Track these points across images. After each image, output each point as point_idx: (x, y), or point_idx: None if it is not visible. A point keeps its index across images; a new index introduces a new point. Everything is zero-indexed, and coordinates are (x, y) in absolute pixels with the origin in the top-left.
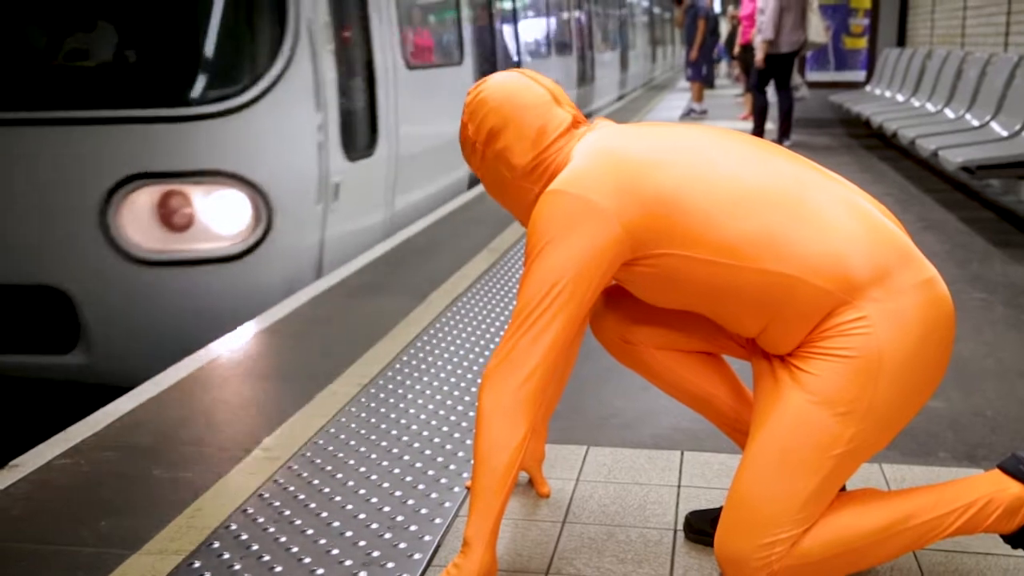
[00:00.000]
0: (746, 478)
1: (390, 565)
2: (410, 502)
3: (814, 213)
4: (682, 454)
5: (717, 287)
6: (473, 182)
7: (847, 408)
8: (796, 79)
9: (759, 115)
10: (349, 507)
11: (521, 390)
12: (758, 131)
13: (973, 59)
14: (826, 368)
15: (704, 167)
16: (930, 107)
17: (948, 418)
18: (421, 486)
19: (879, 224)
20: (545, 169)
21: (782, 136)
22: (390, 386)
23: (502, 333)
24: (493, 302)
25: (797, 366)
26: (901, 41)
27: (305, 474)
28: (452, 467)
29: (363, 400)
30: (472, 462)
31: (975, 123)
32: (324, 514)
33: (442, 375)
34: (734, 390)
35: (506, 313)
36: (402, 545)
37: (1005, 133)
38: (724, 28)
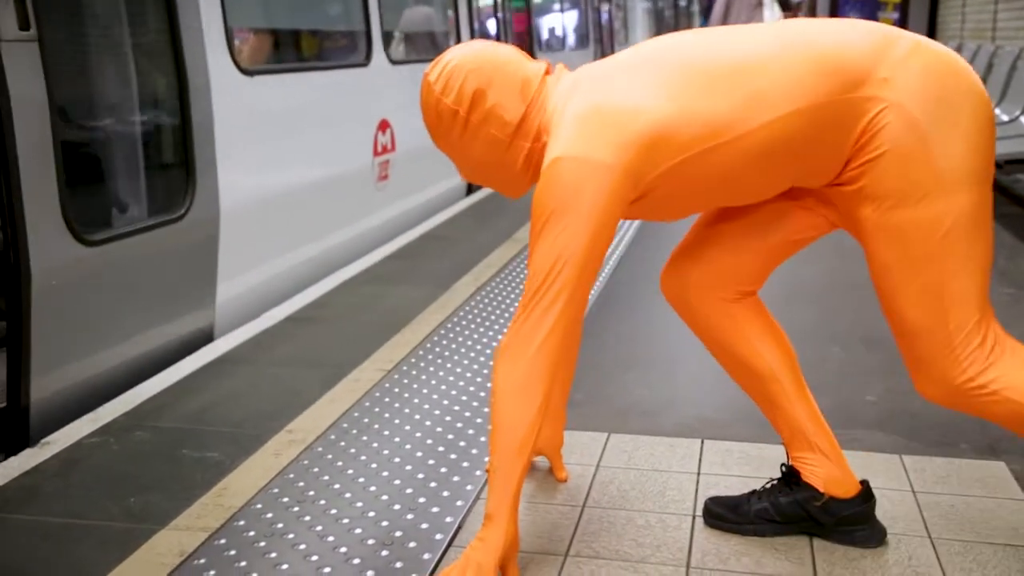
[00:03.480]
0: (896, 320)
1: (412, 545)
2: (432, 484)
3: (787, 51)
4: (702, 442)
5: (733, 168)
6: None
7: (921, 191)
8: None
9: None
10: (372, 488)
11: (535, 362)
12: None
13: (1004, 53)
14: (875, 172)
15: (677, 72)
16: None
17: None
18: (443, 469)
19: (846, 28)
20: (533, 122)
21: None
22: (413, 372)
23: None
24: (517, 291)
25: (852, 190)
26: (931, 34)
27: (330, 456)
28: (474, 451)
29: (387, 385)
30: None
31: (1005, 118)
32: (348, 495)
33: (465, 362)
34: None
35: None
36: (424, 526)
37: None
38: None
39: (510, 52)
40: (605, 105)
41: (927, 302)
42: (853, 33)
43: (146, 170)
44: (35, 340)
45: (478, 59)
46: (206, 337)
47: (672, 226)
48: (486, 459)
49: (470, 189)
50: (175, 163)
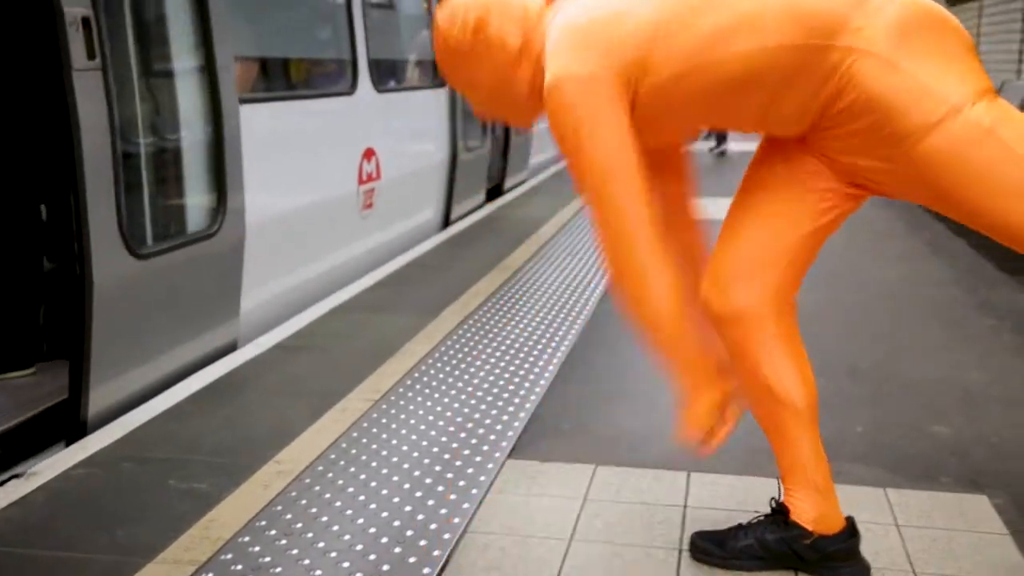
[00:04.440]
0: (1002, 230)
1: None
2: (420, 517)
3: None
4: (688, 475)
5: (711, 92)
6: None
7: (932, 115)
8: None
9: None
10: (360, 521)
11: (637, 253)
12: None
13: None
14: (871, 116)
15: None
16: None
17: (952, 444)
18: (430, 502)
19: None
20: (534, 48)
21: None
22: (401, 402)
23: (514, 351)
24: (504, 320)
25: (855, 139)
26: None
27: (317, 488)
28: (461, 483)
29: (374, 415)
30: None
31: None
32: (335, 527)
33: (452, 392)
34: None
35: (517, 331)
36: (412, 559)
37: None
38: None
39: None
40: (591, 14)
41: (1020, 197)
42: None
43: (188, 188)
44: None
45: None
46: (232, 347)
47: None
48: (475, 491)
49: (447, 222)
50: (212, 182)
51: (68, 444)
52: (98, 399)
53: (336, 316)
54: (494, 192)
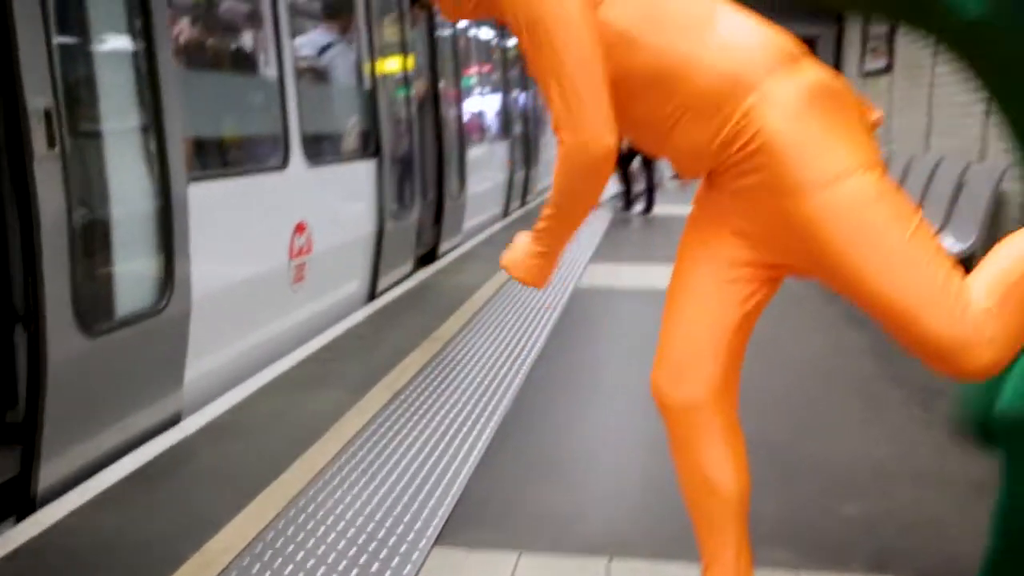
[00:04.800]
0: (886, 308)
1: None
2: None
3: (722, 24)
4: (610, 560)
5: (634, 70)
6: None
7: (826, 175)
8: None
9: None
10: None
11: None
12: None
13: (896, 155)
14: (770, 166)
15: None
16: None
17: (862, 524)
18: None
19: (770, 33)
20: None
21: (647, 209)
22: (329, 488)
23: (444, 428)
24: (435, 395)
25: (754, 183)
26: None
27: None
28: (387, 575)
29: (301, 503)
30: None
31: None
32: None
33: (381, 475)
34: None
35: (445, 410)
36: None
37: None
38: None
39: None
40: None
41: (899, 267)
42: (761, 38)
43: (139, 267)
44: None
45: None
46: (177, 418)
47: (591, 323)
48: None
49: (372, 295)
50: (162, 260)
51: (18, 520)
52: (48, 475)
53: (267, 394)
54: (429, 256)
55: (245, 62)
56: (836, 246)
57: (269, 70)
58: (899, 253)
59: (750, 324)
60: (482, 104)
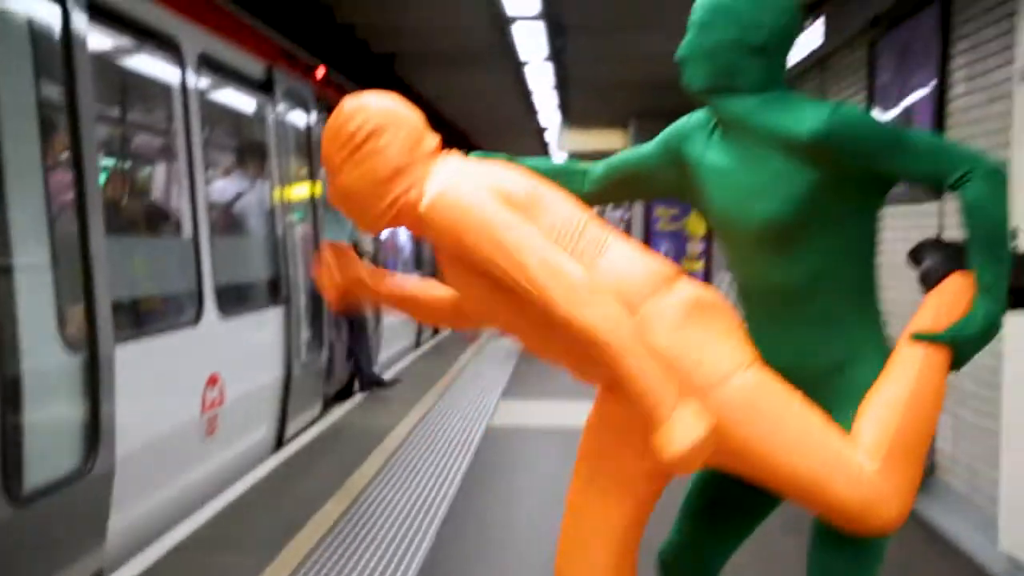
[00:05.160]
0: (796, 486)
1: None
2: None
3: (610, 251)
4: None
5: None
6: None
7: (712, 378)
8: None
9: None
10: None
11: (568, 273)
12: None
13: None
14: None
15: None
16: None
17: None
18: None
19: (650, 259)
20: (410, 175)
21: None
22: None
23: None
24: (350, 554)
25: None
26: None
27: None
28: None
29: None
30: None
31: None
32: None
33: None
34: None
35: (361, 566)
36: None
37: None
38: None
39: (418, 117)
40: (478, 169)
41: (796, 445)
42: (643, 264)
43: (66, 433)
44: None
45: (390, 106)
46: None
47: (503, 468)
48: None
49: (281, 441)
50: (88, 424)
51: None
52: None
53: (177, 555)
54: (346, 391)
55: (164, 222)
56: (737, 436)
57: (186, 230)
58: (793, 432)
59: (643, 523)
60: (393, 242)
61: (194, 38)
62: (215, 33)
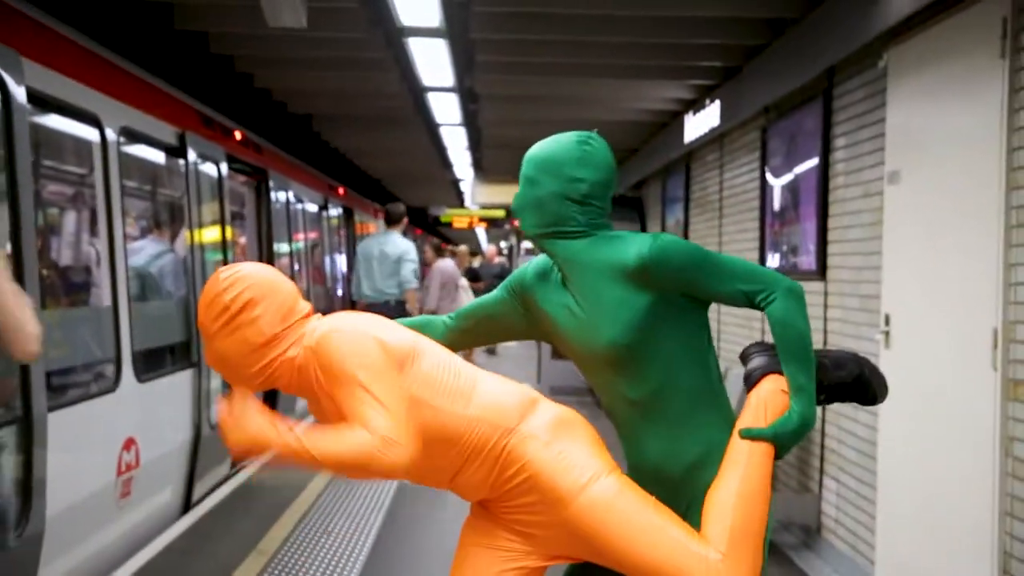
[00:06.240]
0: (645, 573)
1: None
2: None
3: (480, 385)
4: None
5: (427, 426)
6: None
7: (576, 486)
8: None
9: None
10: None
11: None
12: None
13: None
14: (536, 489)
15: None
16: None
17: None
18: None
19: (516, 387)
20: (284, 341)
21: None
22: None
23: None
24: None
25: (529, 503)
26: None
27: None
28: None
29: None
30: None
31: None
32: None
33: None
34: None
35: None
36: None
37: None
38: None
39: (290, 285)
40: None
41: (652, 539)
42: (511, 393)
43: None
44: None
45: (262, 275)
46: None
47: (420, 523)
48: None
49: (187, 506)
50: (20, 490)
51: None
52: None
53: None
54: None
55: (86, 295)
56: (602, 533)
57: (105, 300)
58: (651, 529)
59: None
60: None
61: (115, 112)
62: (135, 107)
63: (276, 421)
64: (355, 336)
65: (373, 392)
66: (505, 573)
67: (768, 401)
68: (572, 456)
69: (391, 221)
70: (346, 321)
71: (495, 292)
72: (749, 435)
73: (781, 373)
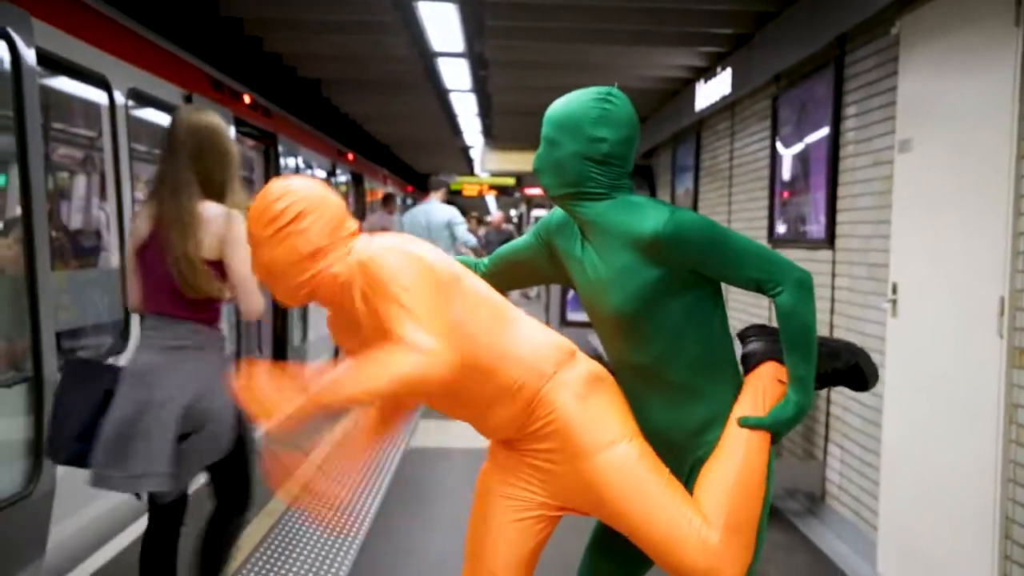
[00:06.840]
0: (653, 543)
1: None
2: None
3: (521, 327)
4: None
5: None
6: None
7: (597, 446)
8: None
9: None
10: None
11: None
12: None
13: None
14: (558, 437)
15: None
16: None
17: None
18: None
19: (554, 335)
20: (329, 253)
21: None
22: None
23: None
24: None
25: (548, 449)
26: None
27: None
28: None
29: None
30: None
31: None
32: None
33: None
34: None
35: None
36: None
37: None
38: None
39: (340, 201)
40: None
41: (659, 510)
42: (550, 339)
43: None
44: None
45: (314, 191)
46: None
47: (423, 492)
48: None
49: None
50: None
51: None
52: None
53: None
54: None
55: (95, 258)
56: (612, 494)
57: (114, 263)
58: (658, 500)
59: (537, 556)
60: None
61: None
62: (143, 68)
63: (299, 379)
64: (404, 255)
65: (417, 310)
66: (522, 521)
67: (767, 388)
68: (599, 414)
69: (432, 189)
70: (395, 241)
71: (525, 236)
72: (747, 424)
73: (779, 359)
